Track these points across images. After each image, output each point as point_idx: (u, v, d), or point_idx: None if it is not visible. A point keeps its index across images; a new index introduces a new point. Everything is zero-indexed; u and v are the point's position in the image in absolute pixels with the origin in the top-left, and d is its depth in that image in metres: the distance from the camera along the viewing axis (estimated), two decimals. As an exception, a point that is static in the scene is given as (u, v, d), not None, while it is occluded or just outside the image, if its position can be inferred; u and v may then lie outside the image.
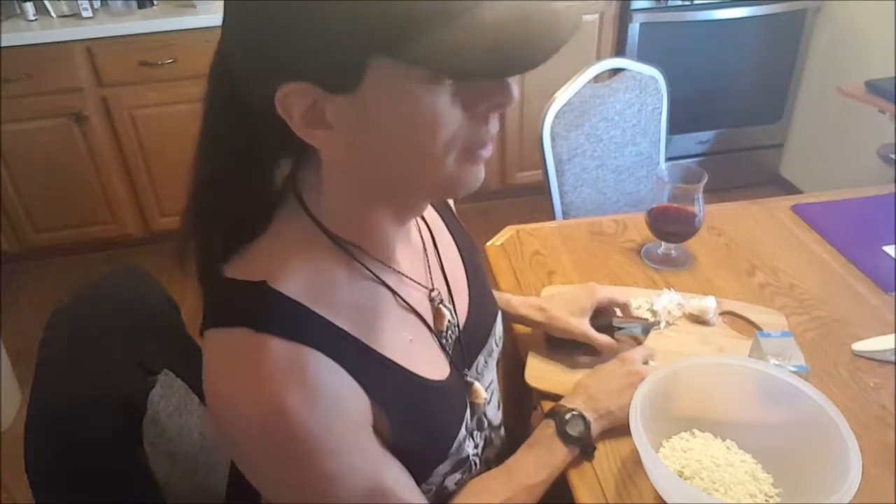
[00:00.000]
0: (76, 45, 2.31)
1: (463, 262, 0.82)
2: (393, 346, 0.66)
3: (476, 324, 0.80)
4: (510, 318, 1.02)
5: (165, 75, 2.39)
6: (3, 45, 2.24)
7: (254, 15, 0.52)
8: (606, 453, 0.84)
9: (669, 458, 0.81)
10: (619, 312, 1.01)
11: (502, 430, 0.89)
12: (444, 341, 0.74)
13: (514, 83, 0.54)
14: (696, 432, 0.85)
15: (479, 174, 0.60)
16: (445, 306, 0.74)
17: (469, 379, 0.77)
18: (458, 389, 0.75)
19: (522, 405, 1.19)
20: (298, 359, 0.57)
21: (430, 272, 0.75)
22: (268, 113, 0.55)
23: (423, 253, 0.75)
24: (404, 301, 0.69)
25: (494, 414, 0.85)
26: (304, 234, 0.63)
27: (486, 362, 0.82)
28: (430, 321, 0.73)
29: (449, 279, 0.78)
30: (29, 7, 2.38)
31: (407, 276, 0.70)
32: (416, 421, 0.67)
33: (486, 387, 0.81)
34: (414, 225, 0.75)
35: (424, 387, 0.68)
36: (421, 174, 0.58)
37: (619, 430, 0.84)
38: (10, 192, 2.51)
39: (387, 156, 0.57)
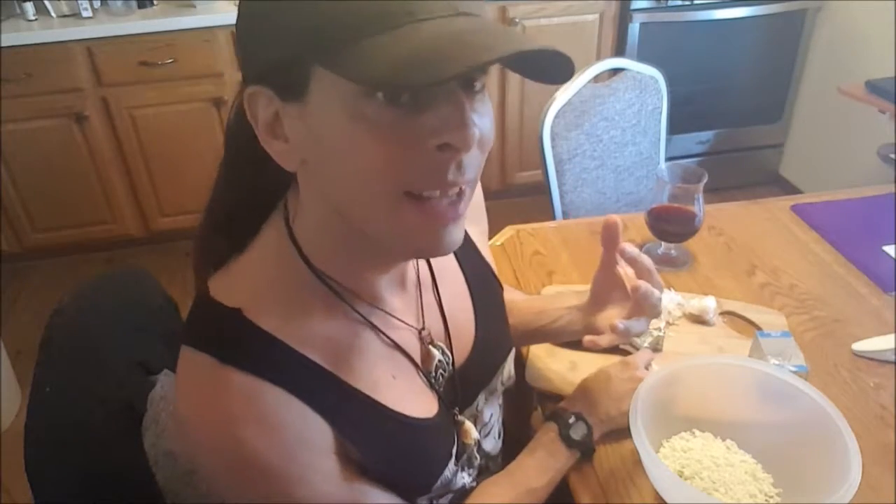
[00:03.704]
0: (76, 45, 2.31)
1: (472, 299, 0.78)
2: (370, 382, 0.64)
3: (479, 363, 0.77)
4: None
5: (165, 75, 2.39)
6: (3, 45, 2.23)
7: (239, 12, 0.54)
8: (606, 453, 0.84)
9: (669, 458, 0.81)
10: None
11: (500, 458, 0.87)
12: (432, 380, 0.72)
13: (474, 124, 0.50)
14: (696, 432, 0.85)
15: (442, 235, 0.54)
16: (436, 346, 0.72)
17: (459, 418, 0.74)
18: (445, 428, 0.72)
19: (522, 405, 1.19)
20: (257, 394, 0.56)
21: (422, 310, 0.72)
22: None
23: (416, 290, 0.72)
24: (388, 338, 0.67)
25: (493, 445, 0.83)
26: (288, 261, 0.62)
27: (486, 400, 0.80)
28: (419, 360, 0.71)
29: (448, 317, 0.74)
30: (29, 7, 2.38)
31: (394, 316, 0.68)
32: (393, 456, 0.66)
33: (486, 422, 0.80)
34: (411, 263, 0.71)
35: (403, 423, 0.66)
36: (373, 214, 0.54)
37: (620, 430, 0.84)
38: (10, 192, 2.51)
39: (336, 182, 0.54)
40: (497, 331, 0.82)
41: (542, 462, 0.80)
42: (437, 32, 0.46)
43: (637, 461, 0.82)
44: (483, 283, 0.81)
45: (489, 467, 0.83)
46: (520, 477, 0.79)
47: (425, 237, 0.55)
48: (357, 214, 0.56)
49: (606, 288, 0.79)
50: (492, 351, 0.80)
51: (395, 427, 0.66)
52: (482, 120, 0.52)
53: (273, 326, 0.59)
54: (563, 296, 0.90)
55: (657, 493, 0.77)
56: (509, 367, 0.83)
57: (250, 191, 0.64)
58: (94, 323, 0.80)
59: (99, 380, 0.77)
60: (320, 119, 0.51)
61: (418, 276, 0.73)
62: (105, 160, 2.52)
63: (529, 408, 1.11)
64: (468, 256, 0.80)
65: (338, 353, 0.62)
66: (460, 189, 0.54)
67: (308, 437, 0.59)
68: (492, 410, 0.82)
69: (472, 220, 0.81)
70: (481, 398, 0.79)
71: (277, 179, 0.61)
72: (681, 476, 0.79)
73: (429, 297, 0.74)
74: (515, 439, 0.85)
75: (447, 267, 0.77)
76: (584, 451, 0.82)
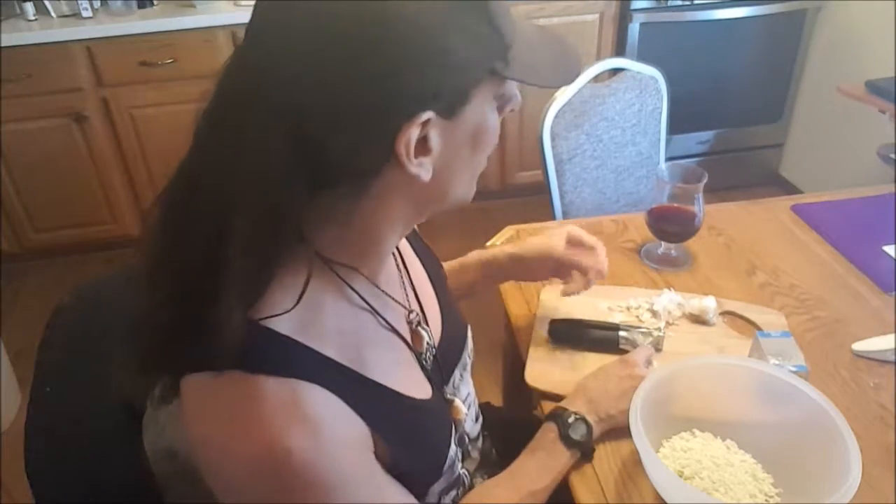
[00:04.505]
0: (76, 45, 2.31)
1: (431, 282, 0.82)
2: (380, 369, 0.65)
3: (450, 340, 0.80)
4: (488, 274, 1.02)
5: (165, 75, 2.39)
6: (3, 45, 2.24)
7: (381, 50, 0.50)
8: (606, 453, 0.84)
9: (669, 458, 0.81)
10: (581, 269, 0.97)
11: (480, 442, 0.89)
12: (424, 362, 0.73)
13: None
14: (696, 432, 0.85)
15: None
16: (423, 328, 0.74)
17: (449, 396, 0.77)
18: (441, 407, 0.75)
19: (522, 405, 1.19)
20: (295, 395, 0.55)
21: (406, 293, 0.75)
22: (316, 159, 0.52)
23: (398, 275, 0.75)
24: (387, 322, 0.69)
25: (472, 427, 0.85)
26: (291, 263, 0.59)
27: (461, 376, 0.82)
28: (409, 342, 0.73)
29: (420, 299, 0.77)
30: (29, 7, 2.38)
31: (390, 297, 0.70)
32: (411, 441, 0.66)
33: (464, 400, 0.81)
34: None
35: (414, 407, 0.68)
36: (464, 187, 0.63)
37: (620, 430, 0.84)
38: (10, 192, 2.51)
39: (453, 174, 0.61)
40: (454, 308, 0.85)
41: (542, 463, 0.80)
42: (533, 37, 0.61)
43: (637, 461, 0.82)
44: (433, 264, 0.85)
45: (469, 452, 0.85)
46: (521, 479, 0.79)
47: (474, 186, 0.66)
48: (448, 193, 0.63)
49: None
50: (456, 328, 0.83)
51: (408, 411, 0.67)
52: None
53: (289, 330, 0.58)
54: (480, 253, 1.04)
55: (657, 493, 0.77)
56: (470, 340, 0.87)
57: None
58: (94, 323, 0.80)
59: (99, 380, 0.77)
60: (467, 124, 0.58)
61: (396, 261, 0.76)
62: (105, 160, 2.52)
63: (529, 408, 1.11)
64: (418, 244, 0.85)
65: (350, 346, 0.63)
66: None
67: (351, 436, 0.59)
68: (468, 389, 0.84)
69: None
70: (457, 375, 0.81)
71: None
72: (681, 476, 0.79)
73: (405, 279, 0.77)
74: (515, 439, 0.85)
75: (408, 252, 0.81)
76: (584, 450, 0.82)
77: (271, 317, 0.57)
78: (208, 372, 0.55)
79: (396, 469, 0.64)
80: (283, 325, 0.57)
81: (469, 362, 0.85)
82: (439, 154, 0.57)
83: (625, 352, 0.97)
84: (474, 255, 1.03)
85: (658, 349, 0.99)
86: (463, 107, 0.56)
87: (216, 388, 0.55)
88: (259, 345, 0.56)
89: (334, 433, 0.57)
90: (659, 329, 1.00)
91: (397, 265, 0.76)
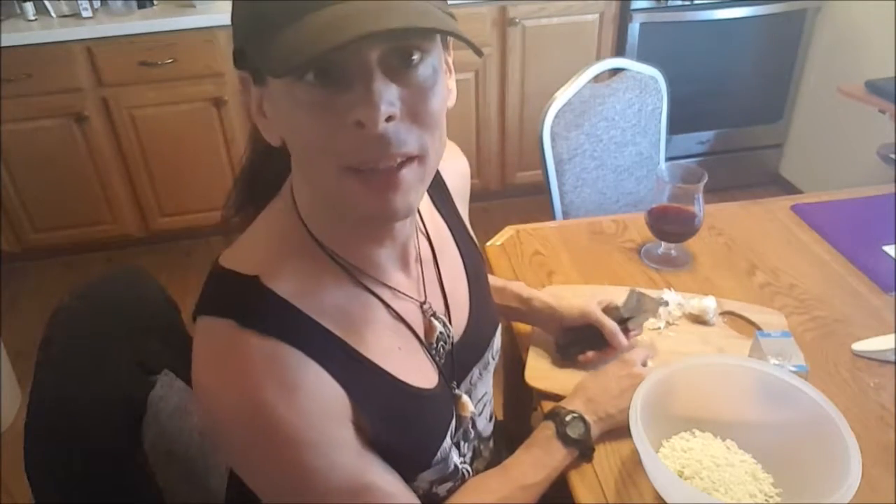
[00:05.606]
0: (76, 45, 2.31)
1: (467, 275, 0.82)
2: (378, 351, 0.66)
3: (473, 337, 0.80)
4: (520, 309, 1.01)
5: (165, 75, 2.39)
6: (3, 45, 2.23)
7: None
8: (606, 453, 0.84)
9: (669, 458, 0.81)
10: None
11: (492, 443, 0.89)
12: (433, 352, 0.74)
13: (382, 101, 0.51)
14: (696, 432, 0.85)
15: (386, 202, 0.56)
16: (438, 318, 0.74)
17: (457, 392, 0.77)
18: (444, 400, 0.75)
19: (522, 405, 1.19)
20: (278, 356, 0.58)
21: (424, 285, 0.75)
22: None
23: (418, 266, 0.75)
24: (394, 311, 0.70)
25: (485, 426, 0.85)
26: (296, 234, 0.65)
27: (480, 375, 0.82)
28: (422, 332, 0.73)
29: (447, 292, 0.77)
30: (29, 7, 2.38)
31: (398, 290, 0.71)
32: (398, 425, 0.67)
33: (479, 399, 0.81)
34: (412, 239, 0.73)
35: (408, 393, 0.69)
36: (323, 186, 0.58)
37: (619, 430, 0.84)
38: (10, 192, 2.51)
39: (296, 158, 0.61)
40: (487, 306, 0.85)
41: (537, 459, 0.80)
42: (341, 12, 0.49)
43: (637, 461, 0.82)
44: (474, 261, 0.84)
45: (481, 451, 0.84)
46: (514, 473, 0.79)
47: (370, 205, 0.57)
48: (316, 186, 0.61)
49: None
50: (484, 325, 0.83)
51: (400, 396, 0.68)
52: (414, 94, 0.54)
53: (289, 294, 0.61)
54: (521, 287, 1.02)
55: (657, 493, 0.77)
56: (497, 339, 0.86)
57: (262, 166, 0.69)
58: (94, 323, 0.80)
59: (99, 380, 0.77)
60: (276, 102, 0.56)
61: (419, 253, 0.75)
62: (105, 160, 2.52)
63: (529, 408, 1.11)
64: (462, 235, 0.84)
65: (348, 322, 0.65)
66: (400, 161, 0.55)
67: (326, 403, 0.61)
68: (485, 388, 0.84)
69: (461, 198, 0.86)
70: (475, 372, 0.81)
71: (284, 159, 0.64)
72: (681, 476, 0.79)
73: (430, 273, 0.76)
74: (515, 440, 0.85)
75: (446, 244, 0.81)
76: (583, 449, 0.82)
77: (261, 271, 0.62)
78: (213, 316, 0.60)
79: (378, 448, 0.65)
80: (284, 288, 0.61)
81: (492, 363, 0.85)
82: (277, 124, 0.59)
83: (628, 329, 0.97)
84: (516, 286, 1.02)
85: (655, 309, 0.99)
86: (263, 76, 0.56)
87: (214, 333, 0.60)
88: (257, 302, 0.60)
89: (310, 398, 0.59)
90: (662, 301, 1.00)
91: (420, 258, 0.75)
